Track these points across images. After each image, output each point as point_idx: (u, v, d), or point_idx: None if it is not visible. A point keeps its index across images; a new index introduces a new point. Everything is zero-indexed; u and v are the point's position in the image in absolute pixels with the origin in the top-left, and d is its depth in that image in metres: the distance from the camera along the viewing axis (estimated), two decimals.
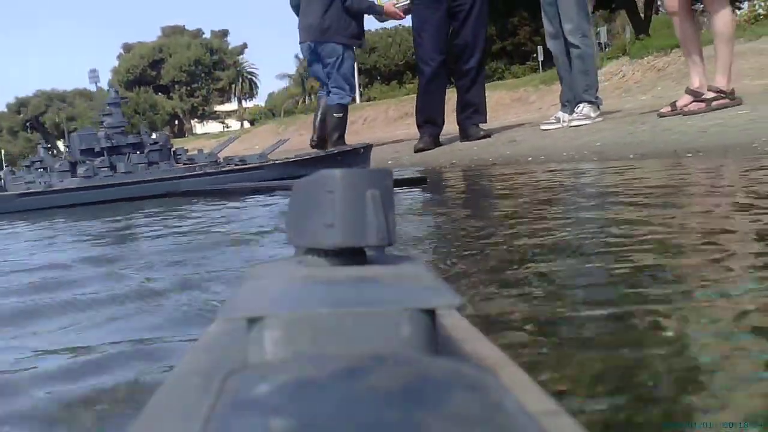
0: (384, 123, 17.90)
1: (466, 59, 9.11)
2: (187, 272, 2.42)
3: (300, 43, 9.99)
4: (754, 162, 4.43)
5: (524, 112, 12.80)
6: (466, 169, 7.37)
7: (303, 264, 0.52)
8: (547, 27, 8.84)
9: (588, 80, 8.61)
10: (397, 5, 9.52)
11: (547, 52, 23.39)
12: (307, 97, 58.98)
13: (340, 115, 9.79)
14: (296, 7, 9.97)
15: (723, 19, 7.37)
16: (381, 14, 9.87)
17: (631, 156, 5.95)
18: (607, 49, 22.26)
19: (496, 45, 35.35)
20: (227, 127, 68.97)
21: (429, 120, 9.41)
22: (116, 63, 72.32)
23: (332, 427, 0.29)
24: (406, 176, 5.81)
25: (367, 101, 31.12)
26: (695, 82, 7.61)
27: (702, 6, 7.80)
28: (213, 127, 71.32)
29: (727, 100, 7.37)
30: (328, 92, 9.87)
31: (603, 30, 30.93)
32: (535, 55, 26.95)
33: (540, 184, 4.73)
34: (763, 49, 11.46)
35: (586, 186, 4.59)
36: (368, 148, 8.39)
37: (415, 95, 10.23)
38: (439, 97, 9.34)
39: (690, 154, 5.44)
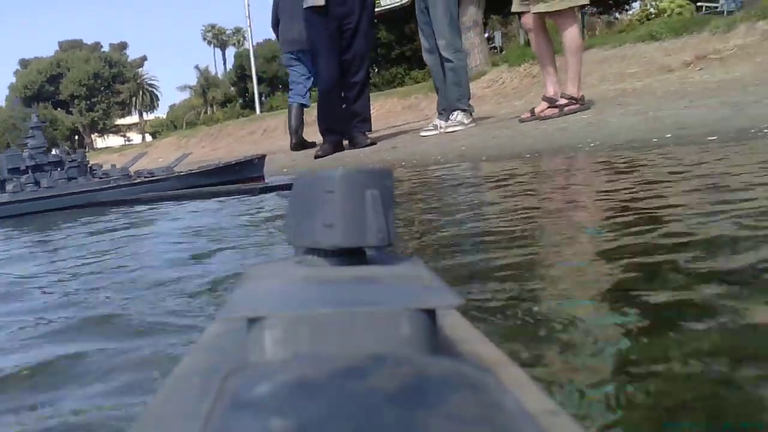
0: (284, 132, 18.54)
1: (353, 73, 9.93)
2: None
3: (284, 53, 12.00)
4: (567, 160, 5.40)
5: (414, 118, 13.65)
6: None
7: (303, 264, 0.52)
8: (424, 43, 9.76)
9: (460, 90, 9.51)
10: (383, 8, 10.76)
11: None
12: (208, 108, 59.16)
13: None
14: (276, 26, 11.79)
15: (571, 35, 8.41)
16: None
17: (484, 158, 6.90)
18: (502, 53, 23.30)
19: (396, 51, 36.24)
20: (128, 141, 68.55)
21: (329, 129, 10.18)
22: (13, 79, 71.18)
23: (332, 427, 0.30)
24: (287, 182, 6.66)
25: (268, 110, 31.60)
26: (550, 90, 8.64)
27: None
28: (114, 140, 70.79)
29: (577, 106, 8.41)
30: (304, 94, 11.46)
31: (498, 34, 32.15)
32: None
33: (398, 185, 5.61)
34: (626, 55, 12.54)
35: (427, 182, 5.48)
36: (262, 158, 9.20)
37: (315, 104, 11.12)
38: (337, 107, 10.15)
39: (528, 155, 6.41)
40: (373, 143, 10.06)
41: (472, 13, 17.43)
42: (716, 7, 16.27)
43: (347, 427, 0.29)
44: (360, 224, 0.48)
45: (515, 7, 8.78)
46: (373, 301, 0.42)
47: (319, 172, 0.50)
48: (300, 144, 11.76)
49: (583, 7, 9.27)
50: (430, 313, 0.41)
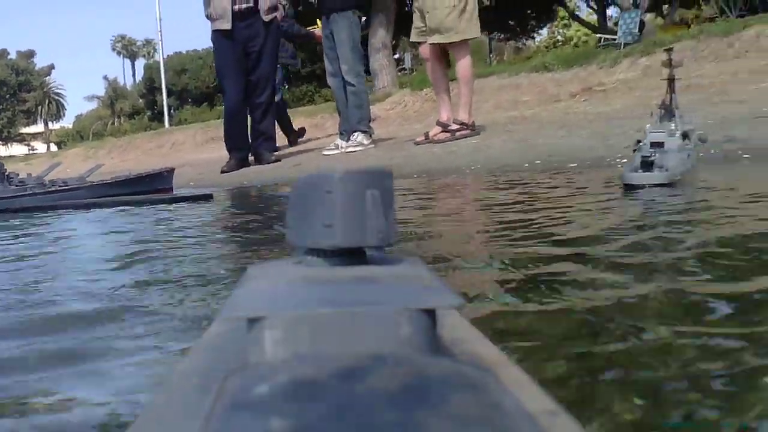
0: (192, 147, 18.84)
1: (259, 94, 10.37)
2: None
3: None
4: (447, 180, 5.99)
5: (321, 135, 14.13)
6: (251, 187, 8.65)
7: (303, 264, 0.52)
8: (328, 67, 10.28)
9: (361, 113, 10.06)
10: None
11: None
12: (116, 120, 58.65)
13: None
14: None
15: (464, 65, 9.06)
16: (312, 39, 11.91)
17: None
18: (413, 73, 23.88)
19: (307, 69, 36.70)
20: (33, 150, 67.24)
21: (235, 146, 10.60)
22: None
23: (332, 427, 0.30)
24: (195, 193, 7.10)
25: (177, 123, 31.66)
26: (443, 116, 9.27)
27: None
28: (18, 149, 69.42)
29: (468, 131, 9.06)
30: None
31: (408, 56, 32.86)
32: None
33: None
34: (521, 84, 13.28)
35: None
36: (171, 171, 9.58)
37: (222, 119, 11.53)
38: (242, 126, 10.57)
39: (416, 175, 6.99)
40: (277, 160, 10.50)
41: (381, 36, 17.94)
42: (614, 40, 17.14)
43: (347, 427, 0.30)
44: (360, 224, 0.48)
45: (413, 38, 9.40)
46: (373, 301, 0.42)
47: (319, 172, 0.50)
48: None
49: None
50: (430, 313, 0.41)
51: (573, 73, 12.42)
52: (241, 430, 0.31)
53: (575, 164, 5.69)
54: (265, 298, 0.45)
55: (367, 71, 13.46)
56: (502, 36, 31.74)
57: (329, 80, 10.38)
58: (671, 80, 4.44)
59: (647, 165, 3.94)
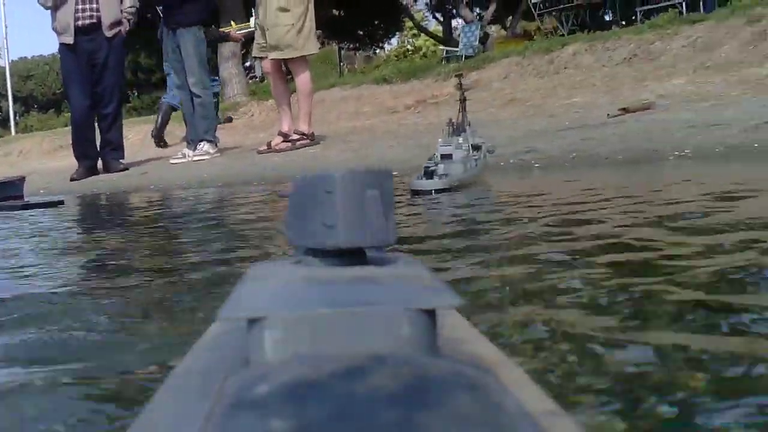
0: (39, 154, 18.70)
1: (105, 105, 10.62)
2: None
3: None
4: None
5: (171, 143, 14.38)
6: (100, 195, 8.99)
7: (303, 264, 0.52)
8: (174, 79, 10.72)
9: (207, 123, 10.54)
10: (239, 32, 12.07)
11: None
12: None
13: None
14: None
15: (303, 79, 9.66)
16: (228, 40, 12.73)
17: (220, 184, 7.98)
18: (263, 82, 24.14)
19: (156, 76, 36.21)
20: None
21: (83, 154, 10.84)
22: None
23: (332, 427, 0.30)
24: (46, 200, 7.42)
25: (24, 130, 30.96)
26: (285, 126, 9.84)
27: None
28: None
29: (308, 141, 9.67)
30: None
31: (258, 64, 33.02)
32: None
33: (147, 206, 6.55)
34: (362, 95, 13.92)
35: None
36: (22, 179, 9.73)
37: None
38: (90, 135, 10.83)
39: (255, 183, 7.56)
40: (125, 168, 10.78)
41: (230, 45, 18.21)
42: (456, 52, 17.93)
43: (348, 427, 0.30)
44: (360, 224, 0.47)
45: (255, 53, 9.97)
46: (373, 301, 0.42)
47: (319, 172, 0.49)
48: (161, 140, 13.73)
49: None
50: (430, 313, 0.41)
51: (410, 86, 13.18)
52: (241, 431, 0.31)
53: (396, 172, 6.36)
54: (265, 298, 0.45)
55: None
56: (351, 45, 32.39)
57: (176, 92, 10.82)
58: (462, 101, 5.18)
59: (429, 174, 4.65)
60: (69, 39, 10.28)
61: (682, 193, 3.67)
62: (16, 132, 29.26)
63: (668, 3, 15.05)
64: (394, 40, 38.77)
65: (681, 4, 14.81)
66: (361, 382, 0.33)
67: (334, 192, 0.47)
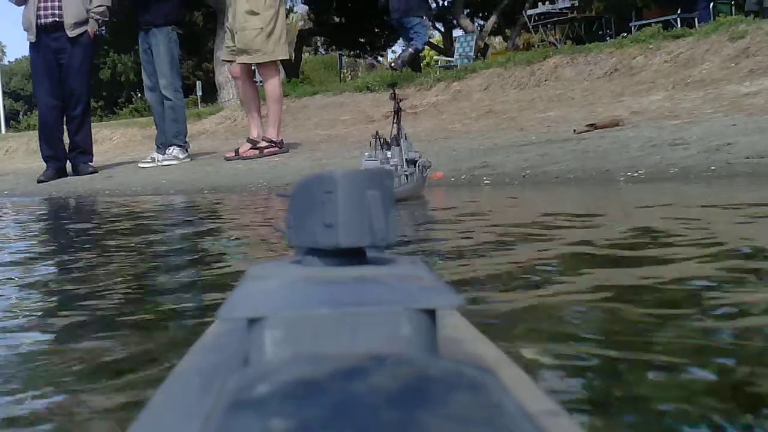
0: (25, 154, 18.43)
1: (72, 107, 10.39)
2: None
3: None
4: (250, 197, 6.34)
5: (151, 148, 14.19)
6: (64, 198, 8.75)
7: (303, 264, 0.52)
8: (146, 81, 10.45)
9: (177, 127, 10.29)
10: None
11: (205, 87, 24.68)
12: None
13: None
14: None
15: (272, 85, 9.43)
16: None
17: (172, 191, 7.73)
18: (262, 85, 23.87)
19: None
20: None
21: (51, 156, 10.60)
22: None
23: (332, 427, 0.30)
24: None
25: (26, 129, 30.83)
26: (253, 133, 9.61)
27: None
28: None
29: (276, 148, 9.41)
30: None
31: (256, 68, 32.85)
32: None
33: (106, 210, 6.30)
34: (344, 103, 13.66)
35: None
36: None
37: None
38: (57, 136, 10.57)
39: (207, 191, 7.31)
40: (95, 171, 10.53)
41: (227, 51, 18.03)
42: (451, 61, 17.72)
43: (348, 427, 0.30)
44: (360, 224, 0.48)
45: (224, 56, 9.73)
46: (374, 301, 0.42)
47: (319, 172, 0.50)
48: None
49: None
50: (430, 313, 0.42)
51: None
52: (241, 430, 0.31)
53: None
54: (265, 298, 0.45)
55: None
56: (351, 53, 32.23)
57: (147, 94, 10.59)
58: (396, 112, 4.91)
59: None
60: (32, 37, 10.11)
61: (605, 219, 3.39)
62: (19, 131, 29.13)
63: (663, 18, 14.76)
64: (396, 48, 38.74)
65: (676, 20, 14.52)
66: (361, 381, 0.33)
67: (334, 192, 0.48)
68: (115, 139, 16.53)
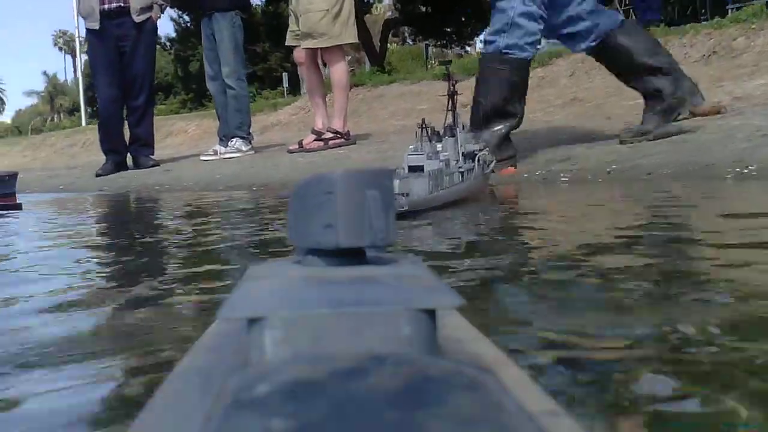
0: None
1: (134, 96, 9.96)
2: None
3: None
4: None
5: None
6: (106, 194, 8.28)
7: (303, 264, 0.52)
8: (207, 69, 9.89)
9: (241, 118, 9.69)
10: None
11: (292, 79, 24.16)
12: (56, 116, 57.62)
13: None
14: None
15: (339, 72, 8.75)
16: None
17: (221, 187, 7.13)
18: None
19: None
20: None
21: (111, 149, 10.22)
22: None
23: (332, 427, 0.30)
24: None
25: None
26: (318, 123, 8.95)
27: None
28: None
29: (342, 140, 8.73)
30: None
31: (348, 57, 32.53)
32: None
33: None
34: (421, 91, 12.88)
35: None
36: (13, 175, 9.11)
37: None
38: (118, 128, 10.17)
39: (255, 188, 6.70)
40: (156, 164, 10.11)
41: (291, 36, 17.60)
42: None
43: (348, 427, 0.30)
44: (360, 224, 0.48)
45: (288, 41, 9.08)
46: (373, 301, 0.42)
47: (319, 173, 0.50)
48: None
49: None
50: (430, 313, 0.42)
51: (471, 82, 12.14)
52: (241, 431, 0.30)
53: None
54: (265, 298, 0.44)
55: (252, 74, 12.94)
56: (439, 43, 31.43)
57: (208, 84, 9.99)
58: (451, 96, 4.15)
59: None
60: (95, 24, 9.65)
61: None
62: (88, 123, 29.29)
63: None
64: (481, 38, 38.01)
65: None
66: (361, 382, 0.33)
67: (334, 192, 0.48)
68: (190, 131, 16.13)
